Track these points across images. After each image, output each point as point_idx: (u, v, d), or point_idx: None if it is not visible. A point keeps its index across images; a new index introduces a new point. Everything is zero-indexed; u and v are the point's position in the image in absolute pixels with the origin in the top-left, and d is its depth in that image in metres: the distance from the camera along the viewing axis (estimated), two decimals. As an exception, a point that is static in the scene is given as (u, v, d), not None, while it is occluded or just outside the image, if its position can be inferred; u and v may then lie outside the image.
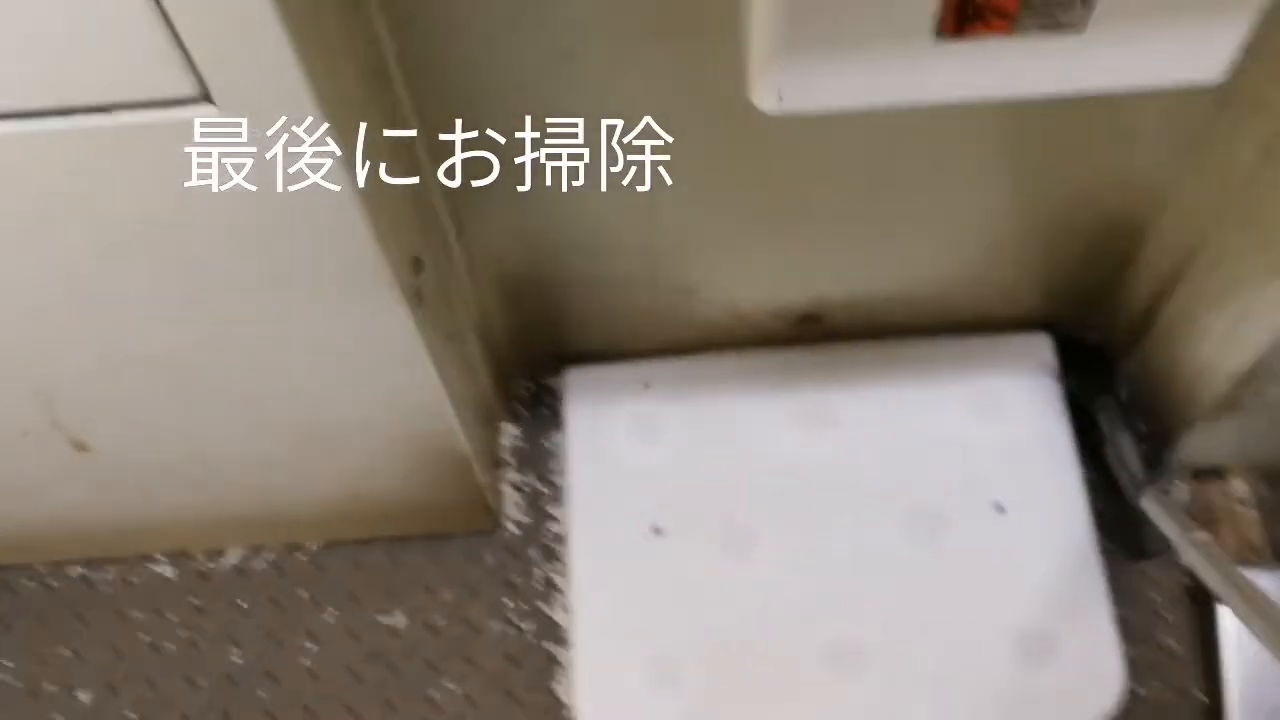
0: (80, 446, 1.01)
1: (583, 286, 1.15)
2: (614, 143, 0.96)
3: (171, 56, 0.63)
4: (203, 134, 0.68)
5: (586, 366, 1.27)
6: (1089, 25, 0.54)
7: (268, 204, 0.73)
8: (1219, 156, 1.00)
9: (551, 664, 1.18)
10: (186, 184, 0.72)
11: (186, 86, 0.65)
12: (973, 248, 1.15)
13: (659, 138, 0.95)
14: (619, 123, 0.94)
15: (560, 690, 1.16)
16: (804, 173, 1.02)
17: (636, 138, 0.95)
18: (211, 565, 1.23)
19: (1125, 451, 1.19)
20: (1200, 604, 1.16)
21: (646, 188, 1.01)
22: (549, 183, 0.99)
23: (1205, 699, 1.14)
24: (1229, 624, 1.13)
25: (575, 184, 1.00)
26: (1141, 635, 1.17)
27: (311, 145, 0.70)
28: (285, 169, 0.71)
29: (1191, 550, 1.01)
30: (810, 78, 0.56)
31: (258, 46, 0.63)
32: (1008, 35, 0.54)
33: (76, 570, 1.24)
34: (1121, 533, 1.20)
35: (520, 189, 1.00)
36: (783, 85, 0.56)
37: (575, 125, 0.93)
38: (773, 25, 0.54)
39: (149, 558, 1.24)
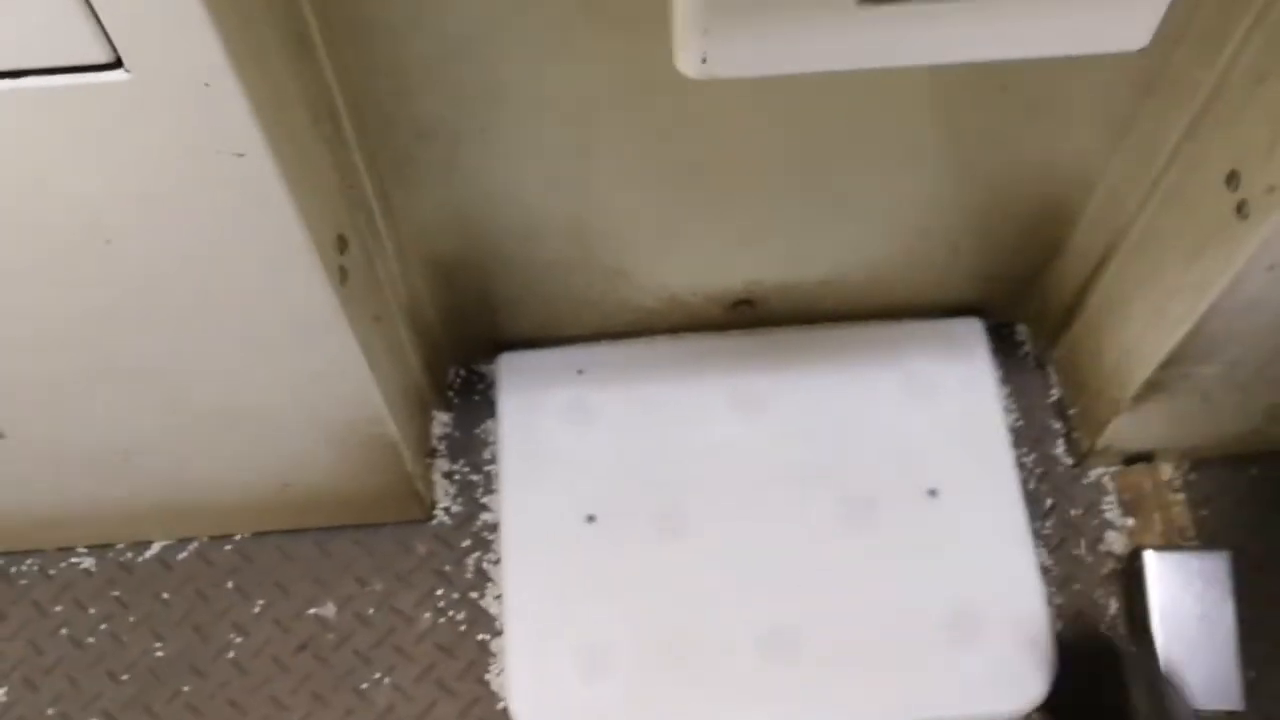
0: (-5, 432, 0.98)
1: (515, 269, 1.14)
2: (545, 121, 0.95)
3: (82, 21, 0.62)
4: (115, 102, 0.66)
5: (519, 352, 1.25)
6: (1012, -13, 0.53)
7: (183, 173, 0.72)
8: (1146, 140, 1.01)
9: (484, 654, 1.16)
10: (98, 154, 0.70)
11: (98, 52, 0.64)
12: (905, 232, 1.15)
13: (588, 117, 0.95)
14: (549, 100, 0.93)
15: (492, 680, 1.15)
16: (735, 154, 1.02)
17: (567, 117, 0.95)
18: (134, 557, 1.20)
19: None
20: (1131, 587, 1.17)
21: (578, 166, 1.01)
22: (477, 159, 0.98)
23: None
24: (1158, 607, 1.14)
25: (503, 161, 0.99)
26: (1075, 620, 1.17)
27: (230, 114, 0.68)
28: (202, 139, 0.69)
29: None
30: (734, 43, 0.55)
31: (171, 11, 0.61)
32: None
33: (-8, 563, 1.21)
34: None
35: (449, 167, 0.98)
36: (707, 50, 0.56)
37: (503, 101, 0.93)
38: (697, -13, 0.54)
39: (69, 550, 1.21)
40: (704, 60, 0.56)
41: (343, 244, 0.88)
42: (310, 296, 0.84)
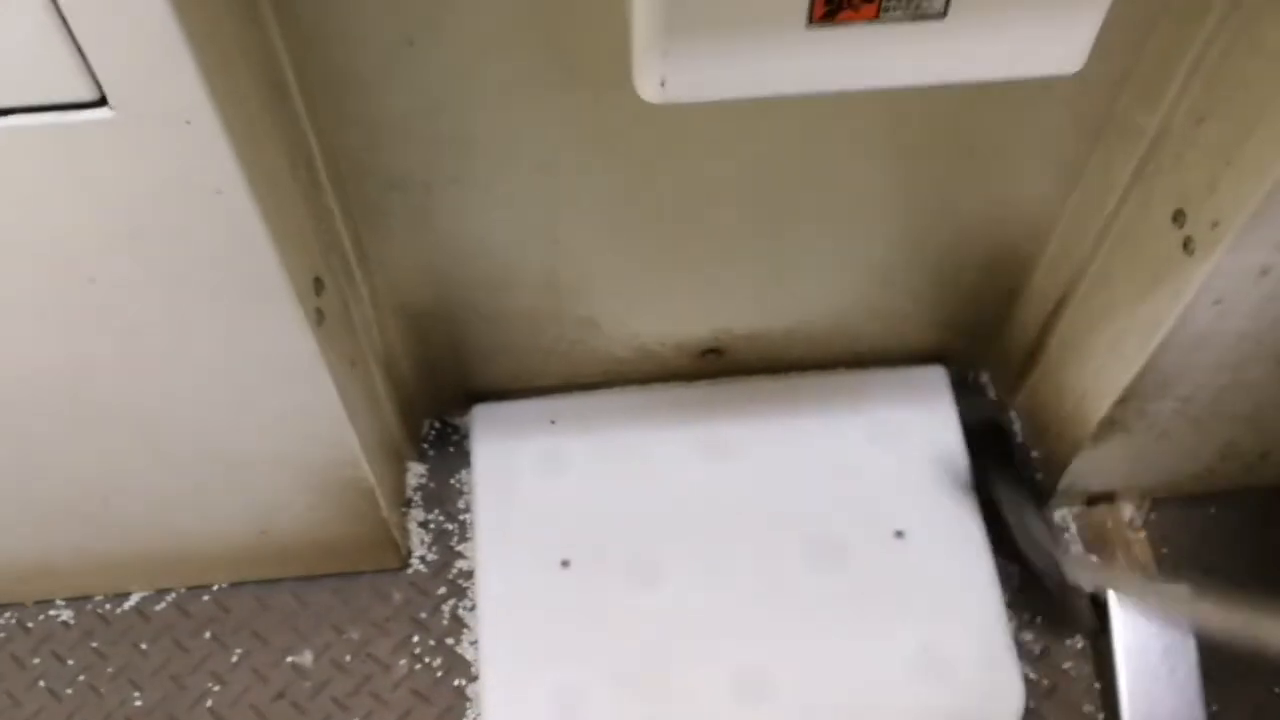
0: (-26, 480, 1.00)
1: (487, 320, 1.17)
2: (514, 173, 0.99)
3: (68, 61, 0.65)
4: (99, 139, 0.69)
5: (492, 403, 1.28)
6: (949, 12, 0.57)
7: (164, 210, 0.74)
8: (1096, 184, 1.05)
9: (460, 699, 1.17)
10: (82, 191, 0.73)
11: (83, 90, 0.67)
12: (868, 282, 1.19)
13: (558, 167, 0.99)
14: (518, 153, 0.97)
15: (469, 725, 1.16)
16: (702, 206, 1.06)
17: (536, 170, 0.99)
18: (112, 608, 1.21)
19: (1038, 532, 1.17)
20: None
21: (547, 218, 1.04)
22: (448, 210, 1.01)
23: (1101, 716, 1.16)
24: (1122, 644, 1.16)
25: (474, 212, 1.02)
26: (1039, 656, 1.19)
27: (209, 152, 0.71)
28: (183, 175, 0.72)
29: (1155, 595, 1.08)
30: (691, 66, 0.59)
31: (155, 51, 0.65)
32: (874, 21, 0.57)
33: (-31, 617, 1.22)
34: (1043, 609, 1.21)
35: (420, 217, 1.02)
36: (665, 74, 0.59)
37: (474, 153, 0.96)
38: (654, 14, 0.57)
39: (47, 602, 1.22)
40: (663, 84, 0.59)
41: (319, 286, 0.91)
42: (288, 335, 0.86)
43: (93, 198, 0.73)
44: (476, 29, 0.84)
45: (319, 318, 0.89)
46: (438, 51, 0.86)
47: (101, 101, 0.67)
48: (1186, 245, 0.95)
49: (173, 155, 0.71)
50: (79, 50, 0.64)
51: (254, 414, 0.96)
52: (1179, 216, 0.96)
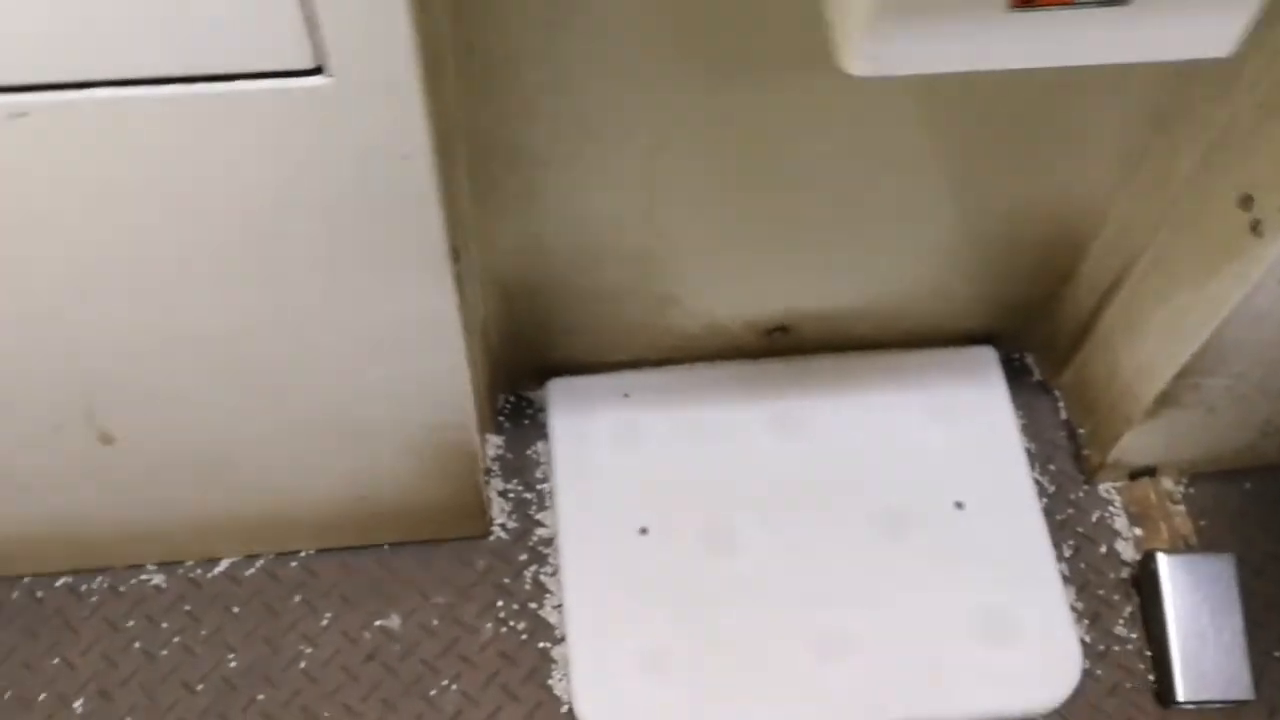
0: (107, 439, 1.03)
1: (575, 295, 1.21)
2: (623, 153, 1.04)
3: (297, 30, 0.69)
4: (311, 106, 0.73)
5: (567, 378, 1.33)
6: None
7: (355, 174, 0.79)
8: (1158, 171, 1.12)
9: (545, 661, 1.22)
10: (284, 156, 0.77)
11: (304, 58, 0.71)
12: (930, 264, 1.25)
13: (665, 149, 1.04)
14: (629, 133, 1.02)
15: (555, 685, 1.20)
16: (784, 190, 1.11)
17: (643, 150, 1.04)
18: (203, 573, 1.25)
19: None
20: (1146, 588, 1.26)
21: (647, 197, 1.10)
22: (559, 187, 1.06)
23: (1152, 678, 1.23)
24: (1172, 608, 1.23)
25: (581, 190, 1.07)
26: (1093, 621, 1.26)
27: (406, 118, 0.76)
28: (379, 141, 0.77)
29: None
30: (900, 43, 0.65)
31: (379, 20, 0.69)
32: (1068, 7, 0.63)
33: (63, 581, 1.24)
34: None
35: (531, 194, 1.06)
36: (875, 51, 0.65)
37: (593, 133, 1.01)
38: (867, -1, 0.63)
39: (138, 567, 1.25)
40: (873, 60, 0.65)
41: (456, 255, 0.95)
42: (437, 299, 0.91)
43: (293, 162, 0.77)
44: (615, 12, 0.89)
45: (458, 283, 0.94)
46: (577, 34, 0.91)
47: (318, 70, 0.72)
48: (1255, 228, 1.02)
49: (374, 122, 0.75)
50: (309, 20, 0.68)
51: (386, 375, 0.99)
52: (1246, 202, 1.03)
